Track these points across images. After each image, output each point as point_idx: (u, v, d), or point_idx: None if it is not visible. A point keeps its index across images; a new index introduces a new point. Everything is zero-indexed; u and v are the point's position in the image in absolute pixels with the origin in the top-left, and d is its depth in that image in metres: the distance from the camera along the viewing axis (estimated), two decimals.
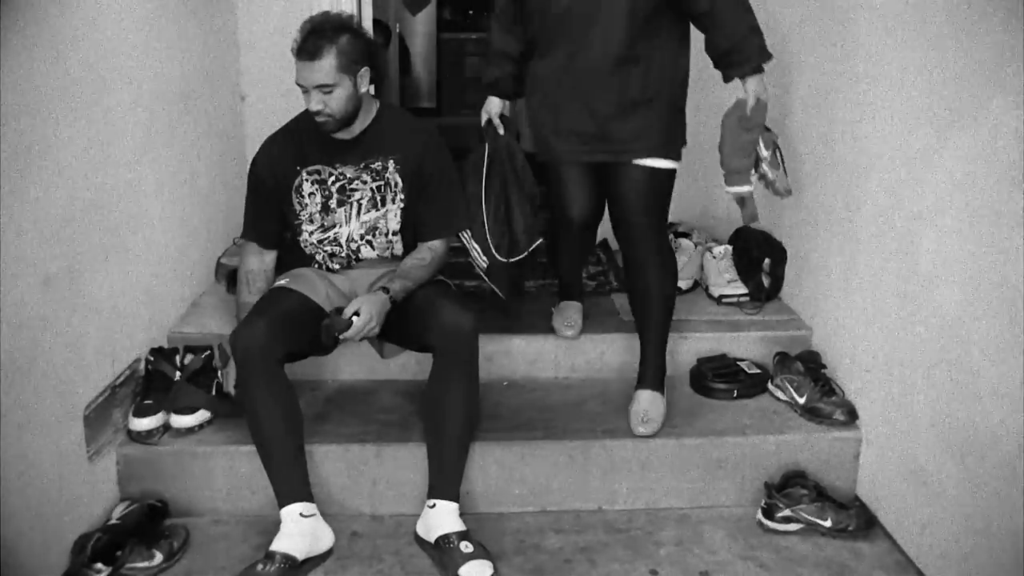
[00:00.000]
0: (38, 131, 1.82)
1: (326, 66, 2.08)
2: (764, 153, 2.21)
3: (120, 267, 2.20)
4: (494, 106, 2.46)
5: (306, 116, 2.25)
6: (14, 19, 1.71)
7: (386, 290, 2.15)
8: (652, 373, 2.36)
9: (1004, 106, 1.67)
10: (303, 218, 2.27)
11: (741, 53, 2.12)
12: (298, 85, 2.12)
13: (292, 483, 2.04)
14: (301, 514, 2.02)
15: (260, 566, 1.93)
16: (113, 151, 2.16)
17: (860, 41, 2.25)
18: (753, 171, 2.24)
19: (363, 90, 2.17)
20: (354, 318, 2.07)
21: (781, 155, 2.28)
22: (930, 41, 1.93)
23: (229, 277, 2.82)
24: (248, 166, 2.33)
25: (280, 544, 1.97)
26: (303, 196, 2.25)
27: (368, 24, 3.24)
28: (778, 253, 2.78)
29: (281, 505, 2.02)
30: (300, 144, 2.26)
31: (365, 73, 2.15)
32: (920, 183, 1.98)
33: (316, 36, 2.09)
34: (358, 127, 2.22)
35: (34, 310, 1.81)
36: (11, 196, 1.71)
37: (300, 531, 2.00)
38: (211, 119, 2.88)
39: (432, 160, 2.28)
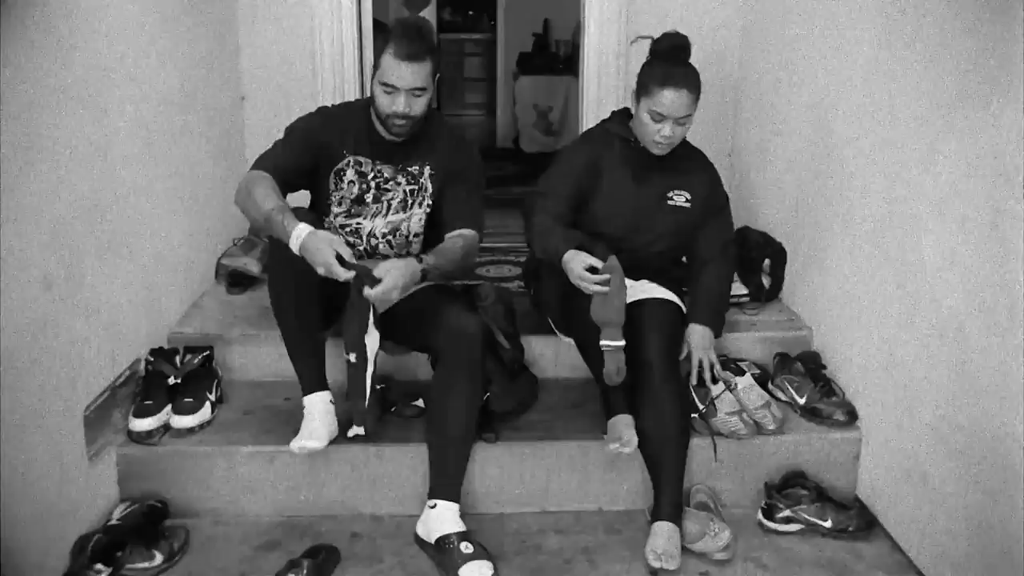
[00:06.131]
0: (38, 131, 1.82)
1: (426, 70, 2.09)
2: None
3: (120, 267, 2.20)
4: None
5: (359, 108, 2.25)
6: (15, 19, 1.71)
7: (419, 259, 2.09)
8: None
9: (1004, 107, 1.67)
10: (334, 199, 2.26)
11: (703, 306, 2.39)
12: (386, 85, 2.09)
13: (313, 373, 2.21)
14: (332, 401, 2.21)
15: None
16: (113, 151, 2.16)
17: (860, 43, 2.25)
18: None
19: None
20: (377, 287, 1.98)
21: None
22: (930, 42, 1.93)
23: (229, 277, 2.82)
24: (247, 166, 2.30)
25: (306, 437, 2.14)
26: (342, 181, 2.24)
27: (368, 24, 3.24)
28: (778, 254, 2.78)
29: (305, 393, 2.20)
30: (352, 131, 2.24)
31: (436, 80, 2.17)
32: (920, 184, 1.98)
33: (422, 40, 2.08)
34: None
35: (34, 310, 1.81)
36: (11, 196, 1.71)
37: (324, 415, 2.18)
38: (211, 119, 2.88)
39: (462, 163, 2.28)
